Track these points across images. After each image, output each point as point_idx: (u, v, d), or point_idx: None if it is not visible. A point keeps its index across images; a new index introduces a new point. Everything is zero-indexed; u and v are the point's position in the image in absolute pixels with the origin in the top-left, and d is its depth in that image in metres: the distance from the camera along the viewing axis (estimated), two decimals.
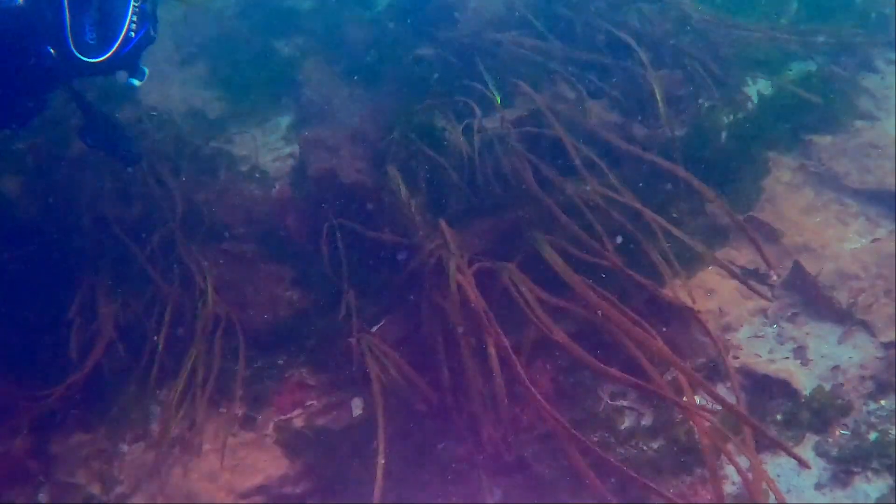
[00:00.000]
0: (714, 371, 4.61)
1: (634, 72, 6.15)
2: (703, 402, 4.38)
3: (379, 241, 5.27)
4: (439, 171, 5.49)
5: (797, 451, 4.18)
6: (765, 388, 4.53)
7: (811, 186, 5.61)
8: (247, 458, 4.79)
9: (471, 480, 4.33)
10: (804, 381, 4.51)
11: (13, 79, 4.52)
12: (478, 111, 5.88)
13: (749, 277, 5.01)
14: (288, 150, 7.06)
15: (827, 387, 4.47)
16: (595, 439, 4.32)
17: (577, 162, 5.11)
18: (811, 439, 4.28)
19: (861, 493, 4.02)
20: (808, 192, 5.57)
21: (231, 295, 5.42)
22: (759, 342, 4.79)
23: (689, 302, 4.59)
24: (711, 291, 4.99)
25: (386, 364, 4.57)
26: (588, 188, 4.97)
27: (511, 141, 5.42)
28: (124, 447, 5.02)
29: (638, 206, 4.86)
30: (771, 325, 4.87)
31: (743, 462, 3.88)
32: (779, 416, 4.38)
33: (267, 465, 4.74)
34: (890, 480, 4.03)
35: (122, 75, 5.10)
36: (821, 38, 6.63)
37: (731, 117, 5.95)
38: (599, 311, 4.24)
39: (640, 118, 5.95)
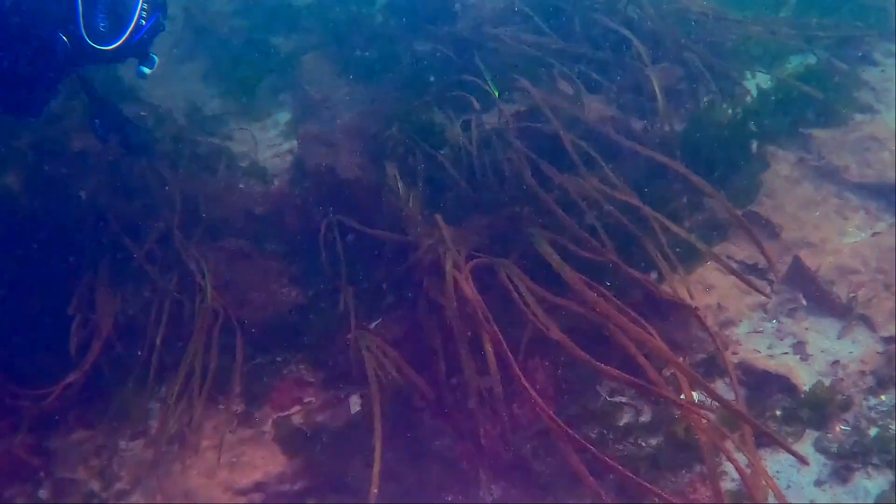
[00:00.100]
0: (713, 367, 4.60)
1: (633, 66, 6.13)
2: (702, 398, 4.37)
3: (377, 237, 5.24)
4: (437, 167, 5.47)
5: (797, 447, 4.18)
6: (764, 383, 4.51)
7: (810, 180, 5.60)
8: (245, 455, 4.77)
9: (469, 478, 4.32)
10: (804, 377, 4.50)
11: (26, 66, 4.55)
12: (477, 106, 5.86)
13: (748, 272, 5.01)
14: (287, 146, 7.05)
15: (827, 382, 4.45)
16: (593, 436, 4.31)
17: (575, 158, 5.08)
18: (811, 435, 4.27)
19: (861, 490, 4.00)
20: (808, 186, 5.56)
21: (229, 292, 5.39)
22: (759, 337, 4.78)
23: (687, 298, 4.57)
24: (710, 287, 4.98)
25: (383, 361, 4.54)
26: (586, 183, 4.94)
27: (509, 137, 5.40)
28: (124, 444, 5.01)
29: (636, 202, 4.83)
30: (770, 321, 4.86)
31: (742, 459, 3.86)
32: (778, 412, 4.37)
33: (265, 462, 4.72)
34: (890, 476, 4.01)
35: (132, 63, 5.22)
36: (820, 32, 6.59)
37: (731, 111, 5.92)
38: (596, 309, 4.21)
39: (638, 113, 5.93)
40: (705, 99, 6.14)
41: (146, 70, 5.28)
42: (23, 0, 4.43)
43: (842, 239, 5.17)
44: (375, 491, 3.90)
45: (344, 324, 4.95)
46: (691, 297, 4.59)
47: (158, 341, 5.10)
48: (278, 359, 5.22)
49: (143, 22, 5.01)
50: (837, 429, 4.27)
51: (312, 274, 5.46)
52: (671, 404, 4.22)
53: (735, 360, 4.62)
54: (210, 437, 4.86)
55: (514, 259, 4.71)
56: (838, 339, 4.69)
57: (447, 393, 4.36)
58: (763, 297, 4.87)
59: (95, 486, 4.85)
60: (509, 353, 4.03)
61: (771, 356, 4.64)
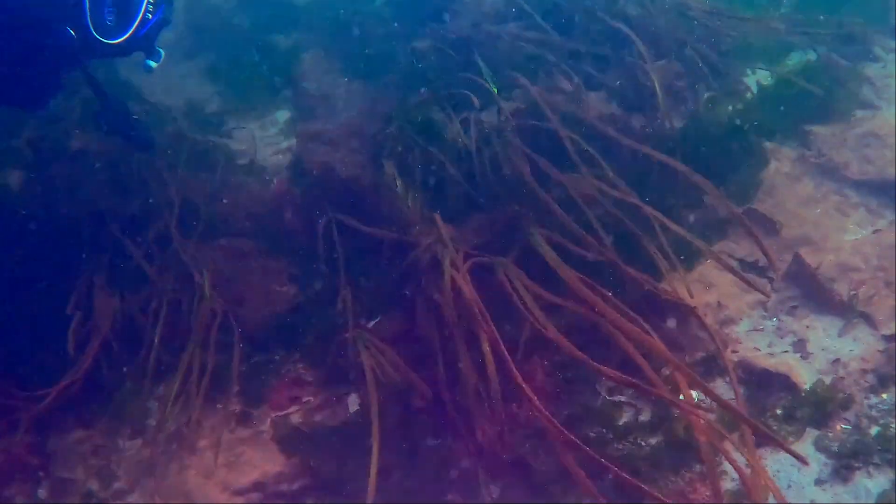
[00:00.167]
0: (713, 365, 4.57)
1: (633, 63, 6.10)
2: (703, 398, 4.35)
3: (375, 235, 5.22)
4: (437, 165, 5.45)
5: (797, 446, 4.17)
6: (764, 382, 4.50)
7: (811, 177, 5.57)
8: (243, 455, 4.76)
9: (468, 477, 4.31)
10: (804, 375, 4.48)
11: (33, 59, 4.60)
12: (476, 104, 5.84)
13: (748, 270, 4.99)
14: (286, 144, 7.03)
15: (827, 380, 4.43)
16: (592, 435, 4.29)
17: (574, 156, 5.06)
18: (811, 434, 4.25)
19: (862, 489, 3.98)
20: (808, 183, 5.53)
21: (228, 290, 5.38)
22: (759, 336, 4.76)
23: (686, 297, 4.55)
24: (710, 285, 4.96)
25: (381, 361, 4.53)
26: (585, 182, 4.92)
27: (508, 134, 5.38)
28: (123, 443, 5.00)
29: (635, 200, 4.81)
30: (770, 319, 4.84)
31: (742, 459, 3.84)
32: (779, 411, 4.35)
33: (263, 461, 4.72)
34: (891, 475, 3.99)
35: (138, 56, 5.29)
36: (820, 28, 6.55)
37: (731, 108, 5.90)
38: (594, 308, 4.19)
39: (638, 110, 5.90)
40: (705, 96, 6.10)
41: (152, 64, 5.34)
42: None
43: (842, 236, 5.14)
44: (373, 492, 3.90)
45: (342, 323, 4.94)
46: (691, 295, 4.56)
47: (156, 340, 5.09)
48: (276, 358, 5.20)
49: (150, 16, 5.07)
50: (838, 427, 4.25)
51: (311, 273, 5.44)
52: (670, 404, 4.20)
53: (735, 358, 4.60)
54: (208, 436, 4.86)
55: (513, 257, 4.70)
56: (839, 337, 4.67)
57: (446, 392, 4.34)
58: (763, 296, 4.84)
59: (94, 485, 4.86)
60: (506, 353, 4.01)
61: (771, 354, 4.62)
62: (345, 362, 4.77)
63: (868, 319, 4.70)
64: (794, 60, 6.57)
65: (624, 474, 3.55)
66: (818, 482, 4.05)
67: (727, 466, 4.00)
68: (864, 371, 4.45)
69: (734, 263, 5.02)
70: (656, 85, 5.76)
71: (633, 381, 3.77)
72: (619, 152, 5.32)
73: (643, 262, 4.67)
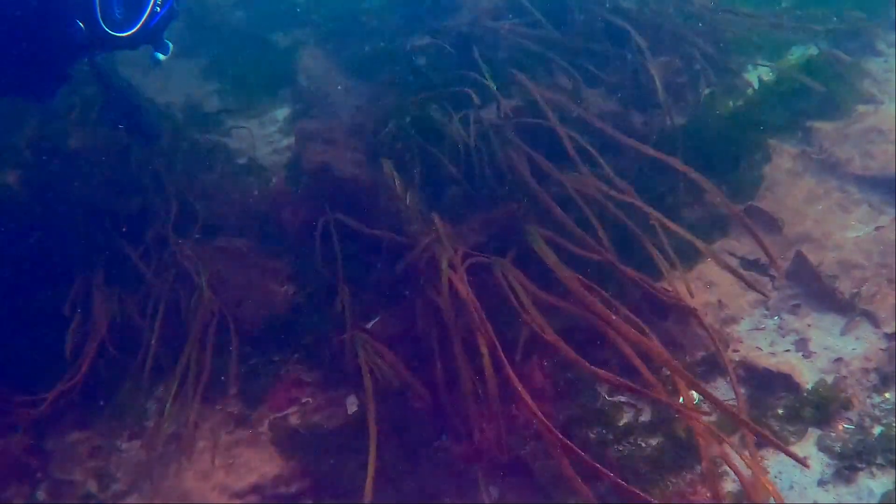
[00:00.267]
0: (714, 365, 4.53)
1: (633, 59, 6.06)
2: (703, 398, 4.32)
3: (374, 235, 5.19)
4: (436, 164, 5.42)
5: (799, 446, 4.13)
6: (766, 382, 4.45)
7: (812, 174, 5.53)
8: (241, 457, 4.73)
9: (467, 479, 4.28)
10: (806, 375, 4.43)
11: (42, 51, 4.65)
12: (476, 101, 5.81)
13: (750, 268, 4.96)
14: (285, 142, 7.00)
15: (829, 380, 4.39)
16: (592, 436, 4.26)
17: (573, 154, 5.02)
18: (814, 434, 4.20)
19: (865, 490, 3.93)
20: (810, 179, 5.49)
21: (226, 291, 5.35)
22: (760, 335, 4.71)
23: (686, 297, 4.51)
24: (711, 283, 4.92)
25: (379, 362, 4.49)
26: (584, 180, 4.89)
27: (507, 132, 5.34)
28: (121, 444, 4.98)
29: (634, 199, 4.77)
30: (772, 317, 4.79)
31: (744, 459, 3.81)
32: (780, 411, 4.30)
33: (261, 463, 4.68)
34: (895, 476, 3.94)
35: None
36: (822, 22, 6.51)
37: (732, 104, 5.86)
38: (592, 310, 4.15)
39: (639, 106, 5.86)
40: (706, 92, 6.07)
41: (161, 56, 5.43)
42: None
43: (844, 233, 5.10)
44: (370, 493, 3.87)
45: (341, 323, 4.90)
46: (691, 294, 4.52)
47: (154, 341, 5.07)
48: (275, 358, 5.17)
49: (158, 9, 5.13)
50: (840, 428, 4.20)
51: (310, 272, 5.40)
52: (669, 407, 4.16)
53: (736, 358, 4.56)
54: (206, 438, 4.83)
55: (512, 257, 4.67)
56: (841, 335, 4.63)
57: (444, 393, 4.30)
58: (763, 295, 4.81)
59: (93, 486, 4.83)
60: (503, 356, 3.98)
61: (773, 354, 4.57)
62: (343, 363, 4.74)
63: (870, 317, 4.65)
64: (795, 55, 6.54)
65: (619, 480, 3.50)
66: (821, 483, 4.00)
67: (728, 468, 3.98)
68: (867, 370, 4.40)
69: (735, 262, 5.00)
70: (657, 81, 5.73)
71: (631, 384, 3.74)
72: (620, 149, 5.28)
73: (643, 260, 4.63)
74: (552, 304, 4.29)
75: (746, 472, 3.73)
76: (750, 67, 6.41)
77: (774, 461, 4.09)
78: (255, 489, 4.62)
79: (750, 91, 6.11)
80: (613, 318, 4.05)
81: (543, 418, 3.71)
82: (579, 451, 3.62)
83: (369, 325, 4.98)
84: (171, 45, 5.47)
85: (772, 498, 3.66)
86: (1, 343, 5.08)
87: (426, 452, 4.44)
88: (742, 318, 4.81)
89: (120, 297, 5.40)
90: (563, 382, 4.47)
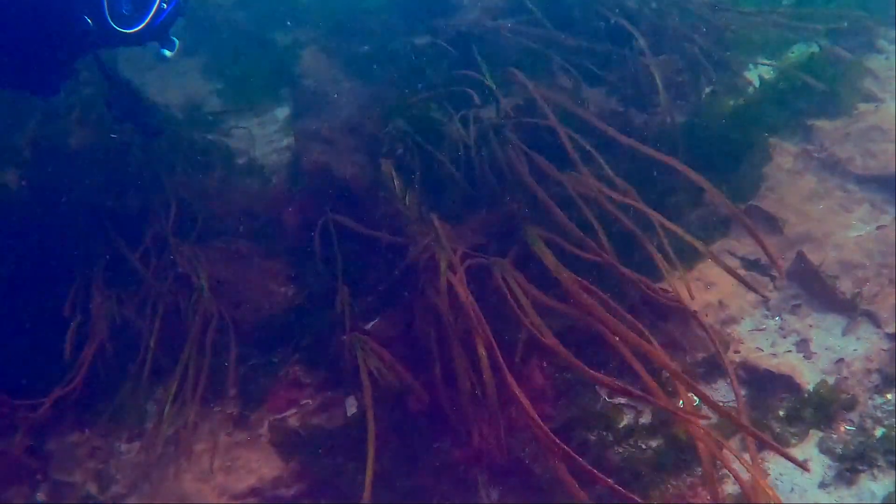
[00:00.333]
0: (715, 366, 4.50)
1: (633, 58, 6.04)
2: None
3: (373, 236, 5.18)
4: (435, 164, 5.41)
5: (801, 448, 4.11)
6: (767, 383, 4.42)
7: (813, 173, 5.49)
8: (240, 459, 4.73)
9: (467, 481, 4.26)
10: (807, 375, 4.40)
11: (49, 46, 4.71)
12: (476, 100, 5.79)
13: (751, 268, 4.95)
14: (285, 142, 6.98)
15: (831, 381, 4.36)
16: (592, 438, 4.24)
17: (572, 153, 4.99)
18: (815, 436, 4.18)
19: (867, 492, 3.91)
20: (811, 178, 5.45)
21: (226, 291, 5.36)
22: (761, 335, 4.68)
23: (686, 298, 4.48)
24: (711, 284, 4.88)
25: (378, 364, 4.48)
26: (584, 180, 4.87)
27: (507, 132, 5.32)
28: (121, 446, 4.99)
29: (633, 200, 4.75)
30: (773, 318, 4.76)
31: (745, 460, 3.79)
32: (781, 413, 4.27)
33: (260, 465, 4.68)
34: None
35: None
36: (822, 20, 6.46)
37: (732, 103, 5.83)
38: (591, 313, 4.12)
39: (639, 105, 5.84)
40: (706, 90, 6.04)
41: (167, 53, 5.46)
42: None
43: (846, 233, 5.06)
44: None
45: (340, 324, 4.89)
46: (691, 295, 4.49)
47: (153, 342, 5.07)
48: (274, 359, 5.17)
49: (165, 5, 5.19)
50: (842, 429, 4.18)
51: (309, 273, 5.40)
52: (672, 405, 4.14)
53: (737, 359, 4.54)
54: (206, 440, 4.83)
55: (511, 257, 4.65)
56: (843, 336, 4.59)
57: (444, 395, 4.29)
58: (766, 294, 4.78)
59: (92, 488, 4.84)
60: (503, 358, 3.97)
61: (774, 354, 4.54)
62: (343, 364, 4.72)
63: (872, 317, 4.62)
64: (796, 53, 6.50)
65: (615, 485, 3.48)
66: (822, 485, 3.98)
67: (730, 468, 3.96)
68: (869, 371, 4.37)
69: (736, 262, 4.98)
70: (657, 80, 5.70)
71: (629, 389, 3.72)
72: (619, 149, 5.26)
73: (644, 260, 4.61)
74: (551, 306, 4.26)
75: (746, 476, 3.71)
76: (751, 66, 6.37)
77: (775, 463, 4.07)
78: (254, 491, 4.62)
79: (751, 90, 6.07)
80: (612, 320, 4.02)
81: (540, 423, 3.69)
82: (575, 456, 3.59)
83: (369, 326, 4.97)
84: (177, 41, 5.50)
85: (771, 501, 3.64)
86: (0, 343, 5.07)
87: (426, 454, 4.42)
88: (743, 319, 4.77)
89: (119, 298, 5.40)
90: (563, 383, 4.45)
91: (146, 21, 5.08)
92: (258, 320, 5.26)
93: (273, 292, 5.37)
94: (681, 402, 4.00)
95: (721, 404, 4.19)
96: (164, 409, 4.84)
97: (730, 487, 3.98)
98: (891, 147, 5.38)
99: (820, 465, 4.05)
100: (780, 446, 3.69)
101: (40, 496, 4.89)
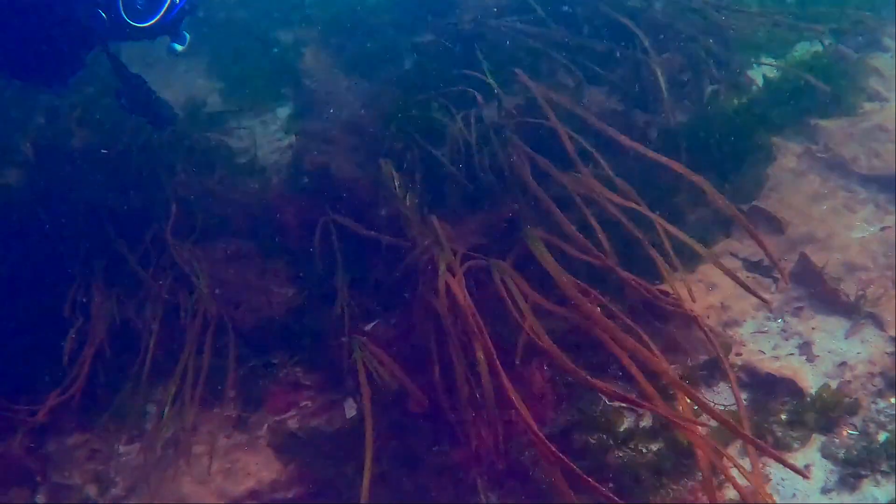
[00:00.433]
0: (716, 369, 4.46)
1: (636, 57, 6.00)
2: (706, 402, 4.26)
3: (374, 237, 5.15)
4: (436, 164, 5.38)
5: (803, 452, 4.07)
6: (769, 386, 4.39)
7: (817, 173, 5.46)
8: (239, 461, 4.70)
9: (466, 484, 4.23)
10: (810, 379, 4.37)
11: (63, 39, 4.75)
12: (479, 100, 5.76)
13: (753, 270, 4.92)
14: (287, 141, 6.97)
15: (834, 384, 4.32)
16: (593, 442, 4.20)
17: (573, 154, 4.95)
18: (817, 440, 4.13)
19: (869, 497, 3.86)
20: (814, 178, 5.42)
21: (225, 292, 5.33)
22: (763, 338, 4.64)
23: (688, 300, 4.44)
24: (713, 286, 4.85)
25: (377, 366, 4.45)
26: (585, 181, 4.83)
27: (508, 132, 5.29)
28: (120, 448, 4.95)
29: (635, 201, 4.71)
30: (775, 320, 4.72)
31: (745, 466, 3.75)
32: (783, 416, 4.23)
33: (259, 468, 4.64)
34: None
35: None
36: (826, 19, 6.42)
37: (736, 102, 5.80)
38: (589, 317, 4.09)
39: (641, 104, 5.80)
40: (709, 89, 6.00)
41: (178, 47, 5.55)
42: None
43: (850, 234, 5.03)
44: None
45: (340, 325, 4.87)
46: (692, 298, 4.45)
47: (153, 343, 5.05)
48: (274, 361, 5.14)
49: (178, 0, 5.27)
50: (845, 433, 4.14)
51: (310, 273, 5.37)
52: (673, 407, 4.10)
53: (739, 361, 4.50)
54: (205, 442, 4.80)
55: (512, 259, 4.61)
56: (846, 338, 4.55)
57: (443, 398, 4.25)
58: (767, 296, 4.74)
59: (92, 490, 4.81)
60: (502, 361, 3.93)
61: (776, 357, 4.51)
62: (343, 365, 4.70)
63: (876, 320, 4.58)
64: (800, 52, 6.47)
65: (610, 495, 3.44)
66: (824, 491, 3.94)
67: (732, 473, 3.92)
68: (872, 374, 4.33)
69: (739, 263, 4.94)
70: (660, 79, 5.66)
71: (628, 396, 3.69)
72: (622, 148, 5.22)
73: (645, 261, 4.57)
74: (550, 309, 4.23)
75: (747, 482, 3.68)
76: (754, 65, 6.34)
77: (777, 468, 4.02)
78: (253, 494, 4.58)
79: (754, 89, 6.05)
80: (610, 325, 3.98)
81: (536, 429, 3.66)
82: (569, 463, 3.55)
83: (368, 328, 4.95)
84: (188, 35, 5.59)
85: None
86: (0, 344, 5.07)
87: (425, 457, 4.38)
88: (745, 321, 4.74)
89: (119, 299, 5.38)
90: (563, 386, 4.41)
91: (159, 15, 5.13)
92: (258, 321, 5.22)
93: (273, 293, 5.34)
94: (682, 406, 3.95)
95: (722, 408, 4.20)
96: (164, 410, 4.81)
97: (731, 492, 3.93)
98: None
99: (822, 470, 4.01)
100: (778, 453, 3.63)
101: (40, 498, 4.85)
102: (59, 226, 5.64)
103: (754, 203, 5.22)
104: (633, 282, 4.37)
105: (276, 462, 4.67)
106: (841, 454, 4.03)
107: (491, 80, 5.92)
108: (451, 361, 4.19)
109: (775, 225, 5.10)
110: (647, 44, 5.95)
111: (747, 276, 4.87)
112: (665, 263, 4.47)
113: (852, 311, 4.65)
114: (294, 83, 7.62)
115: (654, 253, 4.49)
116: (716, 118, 5.60)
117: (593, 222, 4.59)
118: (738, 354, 4.55)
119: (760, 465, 3.92)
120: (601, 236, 4.54)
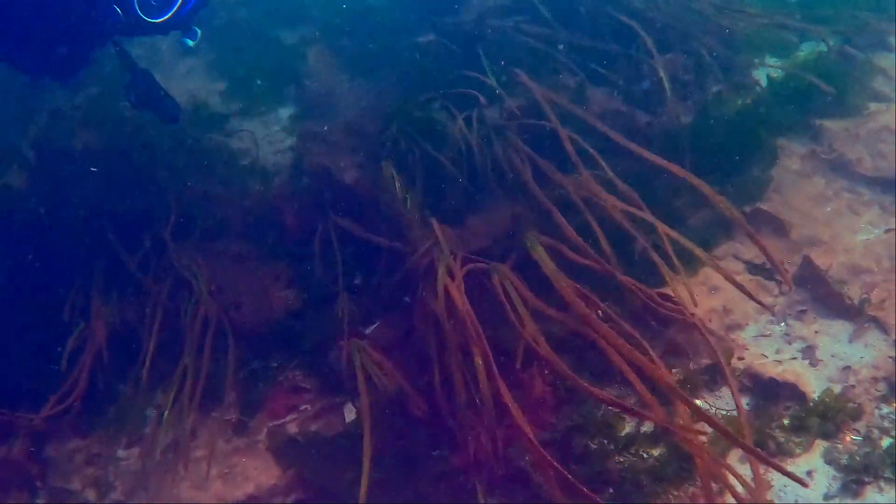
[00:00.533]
0: (718, 373, 4.41)
1: (639, 57, 5.96)
2: (707, 407, 4.23)
3: (373, 242, 5.13)
4: (438, 166, 5.35)
5: (805, 458, 4.03)
6: (771, 391, 4.34)
7: (822, 174, 5.42)
8: (238, 466, 4.68)
9: (466, 490, 4.19)
10: (813, 383, 4.31)
11: (78, 33, 4.80)
12: (482, 101, 5.73)
13: (756, 272, 4.88)
14: (289, 142, 6.94)
15: (837, 389, 4.27)
16: (594, 446, 4.16)
17: (574, 157, 4.92)
18: (820, 446, 4.08)
19: None
20: (819, 180, 5.38)
21: (225, 295, 5.31)
22: (766, 342, 4.59)
23: (689, 304, 4.40)
24: (716, 288, 4.79)
25: (377, 370, 4.42)
26: (586, 183, 4.80)
27: (509, 133, 5.26)
28: (120, 452, 4.95)
29: (636, 203, 4.67)
30: (778, 324, 4.67)
31: (746, 471, 3.72)
32: (786, 421, 4.18)
33: (258, 472, 4.62)
34: None
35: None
36: (831, 20, 6.37)
37: (739, 102, 5.75)
38: (588, 324, 4.05)
39: (644, 105, 5.77)
40: (713, 90, 5.96)
41: (190, 42, 5.58)
42: None
43: (854, 236, 4.98)
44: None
45: (340, 328, 4.86)
46: (694, 302, 4.41)
47: (152, 347, 5.03)
48: (274, 364, 5.12)
49: None
50: (848, 439, 4.08)
51: (311, 276, 5.35)
52: (674, 409, 4.06)
53: (741, 366, 4.45)
54: (204, 446, 4.79)
55: (512, 262, 4.58)
56: (849, 342, 4.50)
57: (443, 402, 4.22)
58: (770, 299, 4.70)
59: (91, 495, 4.81)
60: (501, 366, 3.91)
61: (778, 361, 4.45)
62: (342, 370, 4.68)
63: (880, 324, 4.53)
64: (805, 52, 6.42)
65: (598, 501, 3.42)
66: (826, 497, 3.89)
67: (732, 480, 3.87)
68: (876, 379, 4.28)
69: (741, 266, 4.90)
70: (663, 80, 5.63)
71: (624, 404, 3.67)
72: (624, 149, 5.18)
73: (647, 263, 4.54)
74: (549, 316, 4.20)
75: (748, 488, 3.64)
76: (759, 65, 6.29)
77: (779, 474, 3.97)
78: (252, 499, 4.56)
79: (758, 89, 6.00)
80: (609, 332, 3.94)
81: (532, 438, 3.62)
82: (564, 472, 3.52)
83: (368, 331, 4.93)
84: (199, 31, 5.61)
85: None
86: (3, 348, 5.06)
87: (424, 462, 4.35)
88: (747, 325, 4.69)
89: (119, 302, 5.36)
90: (564, 390, 4.37)
91: (173, 10, 5.19)
92: (258, 324, 5.20)
93: (273, 296, 5.32)
94: (681, 412, 3.91)
95: (724, 413, 4.17)
96: (164, 414, 4.79)
97: (732, 498, 3.90)
98: None
99: (825, 476, 3.96)
100: (776, 462, 3.58)
101: (39, 502, 4.83)
102: (60, 227, 5.62)
103: (757, 205, 5.17)
104: (632, 286, 4.33)
105: (275, 467, 4.65)
106: (844, 460, 3.98)
107: (492, 81, 5.89)
108: (450, 366, 4.16)
109: (778, 227, 5.05)
110: (650, 44, 5.90)
111: (750, 279, 4.83)
112: (666, 266, 4.43)
113: (856, 315, 4.60)
114: (296, 83, 7.60)
115: (655, 256, 4.45)
116: (719, 119, 5.57)
117: (594, 225, 4.55)
118: (741, 358, 4.50)
119: (762, 472, 3.87)
120: (602, 239, 4.50)
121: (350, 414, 4.72)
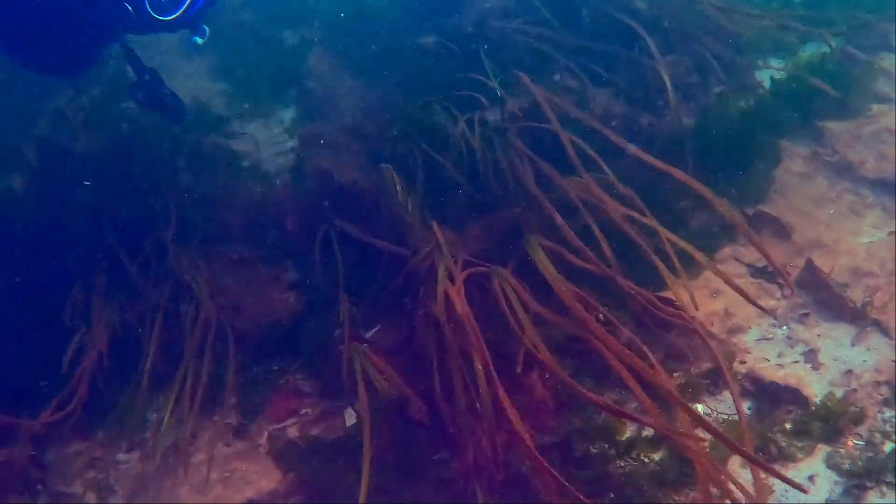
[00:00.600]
0: (720, 377, 4.39)
1: (641, 59, 5.94)
2: (708, 411, 4.22)
3: (374, 245, 5.11)
4: (439, 168, 5.33)
5: (807, 463, 4.02)
6: (773, 395, 4.32)
7: (824, 176, 5.40)
8: (238, 470, 4.68)
9: (466, 494, 4.18)
10: (815, 387, 4.30)
11: (88, 31, 4.82)
12: (484, 103, 5.72)
13: (759, 276, 4.86)
14: (290, 144, 6.93)
15: (839, 393, 4.25)
16: (594, 451, 4.15)
17: (575, 160, 4.89)
18: (822, 450, 4.07)
19: None
20: (821, 181, 5.36)
21: (226, 299, 5.30)
22: (768, 345, 4.57)
23: (691, 308, 4.38)
24: (717, 292, 4.78)
25: (377, 374, 4.41)
26: (588, 186, 4.78)
27: (510, 136, 5.24)
28: (121, 456, 4.95)
29: (638, 207, 4.65)
30: (780, 327, 4.66)
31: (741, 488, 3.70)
32: (788, 426, 4.17)
33: (258, 477, 4.62)
34: None
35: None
36: (834, 21, 6.33)
37: (742, 104, 5.72)
38: (587, 328, 4.03)
39: (647, 107, 5.75)
40: (716, 91, 5.93)
41: (199, 41, 5.60)
42: None
43: (856, 239, 4.97)
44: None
45: (341, 332, 4.83)
46: (696, 306, 4.39)
47: (153, 350, 5.02)
48: (275, 368, 5.11)
49: None
50: (850, 443, 4.07)
51: (312, 280, 5.33)
52: (676, 413, 4.05)
53: (743, 370, 4.44)
54: (204, 450, 4.78)
55: (513, 265, 4.56)
56: (852, 346, 4.49)
57: (443, 406, 4.21)
58: (772, 302, 4.68)
59: (91, 498, 4.81)
60: (500, 371, 3.89)
61: (780, 365, 4.44)
62: (342, 374, 4.66)
63: (882, 328, 4.52)
64: (807, 53, 6.38)
65: None
66: (828, 502, 3.88)
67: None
68: (878, 383, 4.27)
69: (744, 269, 4.88)
70: (666, 81, 5.60)
71: (623, 411, 3.65)
72: (624, 152, 5.16)
73: (648, 267, 4.52)
74: (550, 320, 4.18)
75: (745, 493, 3.63)
76: (761, 67, 6.26)
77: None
78: (252, 503, 4.55)
79: (761, 91, 5.97)
80: (608, 337, 3.92)
81: (530, 443, 3.62)
82: (561, 479, 3.51)
83: (369, 335, 4.91)
84: (207, 29, 5.62)
85: None
86: (3, 351, 5.05)
87: (424, 467, 4.34)
88: (749, 328, 4.67)
89: (120, 305, 5.35)
90: (564, 394, 4.35)
91: (183, 8, 5.23)
92: (259, 328, 5.19)
93: (274, 300, 5.31)
94: (681, 417, 3.90)
95: (725, 418, 4.16)
96: (164, 418, 4.79)
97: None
98: None
99: (827, 481, 3.95)
100: (775, 469, 3.57)
101: None
102: (61, 230, 5.61)
103: (760, 207, 5.15)
104: (633, 291, 4.31)
105: (275, 471, 4.65)
106: (846, 464, 3.97)
107: (494, 83, 5.87)
108: (450, 371, 4.15)
109: (781, 229, 5.03)
110: (652, 46, 5.88)
111: (752, 282, 4.82)
112: (668, 269, 4.41)
113: (858, 319, 4.58)
114: (298, 85, 7.58)
115: (656, 259, 4.43)
116: (722, 121, 5.54)
117: (595, 229, 4.53)
118: (743, 362, 4.49)
119: (763, 476, 3.85)
120: (603, 243, 4.48)
121: (351, 418, 4.70)
